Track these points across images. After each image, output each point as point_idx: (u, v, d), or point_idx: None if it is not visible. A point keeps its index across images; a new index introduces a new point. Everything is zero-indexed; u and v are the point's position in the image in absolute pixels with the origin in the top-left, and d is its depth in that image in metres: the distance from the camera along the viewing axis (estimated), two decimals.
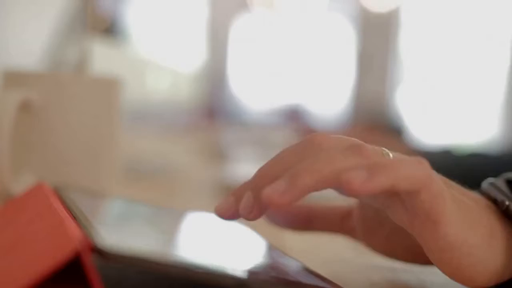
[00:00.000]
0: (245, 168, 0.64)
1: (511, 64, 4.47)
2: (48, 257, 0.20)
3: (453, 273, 0.27)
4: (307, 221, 0.34)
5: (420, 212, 0.26)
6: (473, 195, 0.30)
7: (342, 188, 0.24)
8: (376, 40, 4.81)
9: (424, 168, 0.26)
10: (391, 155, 0.27)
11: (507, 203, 0.29)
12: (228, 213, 0.27)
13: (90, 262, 0.20)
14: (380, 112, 4.58)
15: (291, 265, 0.28)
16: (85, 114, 0.39)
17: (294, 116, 4.97)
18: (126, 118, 0.92)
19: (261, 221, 0.45)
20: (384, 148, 0.28)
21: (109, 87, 0.41)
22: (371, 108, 4.71)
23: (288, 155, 0.27)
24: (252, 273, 0.23)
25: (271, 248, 0.32)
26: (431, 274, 0.34)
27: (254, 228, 0.43)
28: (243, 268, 0.23)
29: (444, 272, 0.28)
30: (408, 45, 4.76)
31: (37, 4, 1.11)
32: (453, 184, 0.30)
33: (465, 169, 0.69)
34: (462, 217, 0.27)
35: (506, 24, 4.48)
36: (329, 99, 5.00)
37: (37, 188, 0.32)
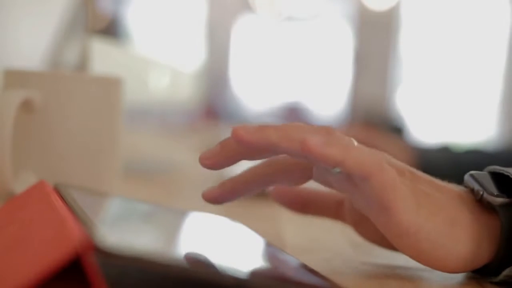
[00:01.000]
0: (245, 166, 0.64)
1: (507, 64, 4.49)
2: (49, 257, 0.20)
3: (416, 257, 0.30)
4: (305, 204, 0.36)
5: (371, 198, 0.28)
6: (445, 186, 0.31)
7: (300, 149, 0.27)
8: (375, 38, 4.81)
9: (376, 157, 0.28)
10: (355, 143, 0.29)
11: (481, 192, 0.30)
12: (211, 161, 0.30)
13: (91, 261, 0.20)
14: (379, 111, 4.58)
15: (291, 264, 0.28)
16: (86, 113, 0.40)
17: (293, 115, 4.97)
18: (127, 117, 0.92)
19: (261, 221, 0.46)
20: (352, 138, 0.30)
21: (110, 86, 0.41)
22: (370, 107, 4.71)
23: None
24: (251, 272, 0.23)
25: (271, 246, 0.32)
26: (430, 271, 0.34)
27: (253, 227, 0.43)
28: (243, 268, 0.23)
29: (409, 256, 0.30)
30: (407, 43, 4.76)
31: (37, 4, 1.11)
32: (421, 176, 0.31)
33: (462, 165, 0.70)
34: (418, 205, 0.29)
35: (503, 24, 4.49)
36: (328, 98, 5.01)
37: (38, 187, 0.32)
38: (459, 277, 0.33)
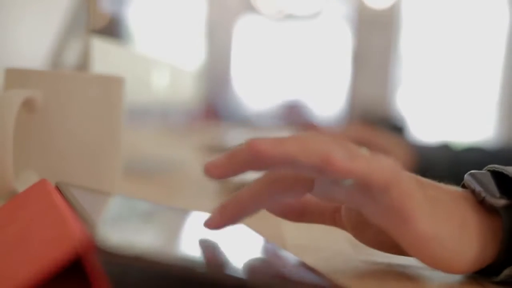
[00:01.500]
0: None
1: (505, 64, 4.53)
2: (49, 256, 0.20)
3: (431, 263, 0.30)
4: (301, 212, 0.35)
5: (390, 209, 0.28)
6: (449, 188, 0.32)
7: (323, 165, 0.26)
8: (375, 37, 4.81)
9: (395, 167, 0.28)
10: (368, 153, 0.29)
11: (483, 194, 0.30)
12: (218, 171, 0.28)
13: (92, 261, 0.20)
14: (379, 110, 4.58)
15: (291, 263, 0.28)
16: (87, 113, 0.40)
17: (293, 114, 4.98)
18: (127, 116, 0.92)
19: (261, 220, 0.46)
20: (364, 148, 0.30)
21: (112, 85, 0.41)
22: (369, 106, 4.71)
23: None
24: (252, 271, 0.23)
25: (271, 246, 0.32)
26: (430, 269, 0.34)
27: (253, 226, 0.43)
28: (244, 267, 0.23)
29: (423, 262, 0.30)
30: (407, 42, 4.78)
31: (38, 3, 1.11)
32: (426, 181, 0.32)
33: (461, 163, 0.70)
34: (432, 212, 0.30)
35: (501, 24, 4.53)
36: (328, 97, 5.03)
37: (39, 185, 0.32)
38: (460, 276, 0.33)
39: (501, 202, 0.30)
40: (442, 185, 0.32)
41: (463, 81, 4.69)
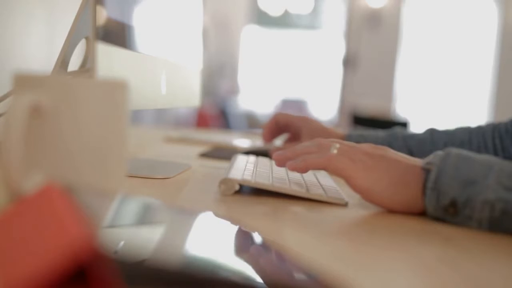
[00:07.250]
0: (249, 168, 0.65)
1: (494, 66, 4.61)
2: (48, 262, 0.20)
3: (371, 202, 0.52)
4: None
5: (339, 176, 0.53)
6: (377, 154, 0.53)
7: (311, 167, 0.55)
8: (373, 36, 4.80)
9: (327, 156, 0.53)
10: (332, 147, 0.54)
11: (426, 163, 0.50)
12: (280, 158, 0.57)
13: (94, 267, 0.20)
14: (378, 109, 4.58)
15: (292, 266, 0.29)
16: (93, 116, 0.40)
17: (294, 111, 5.01)
18: (133, 118, 0.93)
19: (262, 220, 0.46)
20: (335, 144, 0.55)
21: (117, 89, 0.42)
22: (368, 105, 4.71)
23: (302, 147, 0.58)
24: (255, 274, 0.23)
25: (271, 246, 0.32)
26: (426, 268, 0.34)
27: (254, 226, 0.44)
28: (245, 270, 0.24)
29: (371, 203, 0.53)
30: (405, 42, 4.79)
31: (44, 9, 1.12)
32: (360, 149, 0.54)
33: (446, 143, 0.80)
34: (367, 174, 0.52)
35: (490, 31, 4.62)
36: (326, 95, 5.05)
37: (46, 188, 0.32)
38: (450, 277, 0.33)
39: (424, 165, 0.50)
40: (374, 151, 0.53)
41: (459, 82, 4.78)
